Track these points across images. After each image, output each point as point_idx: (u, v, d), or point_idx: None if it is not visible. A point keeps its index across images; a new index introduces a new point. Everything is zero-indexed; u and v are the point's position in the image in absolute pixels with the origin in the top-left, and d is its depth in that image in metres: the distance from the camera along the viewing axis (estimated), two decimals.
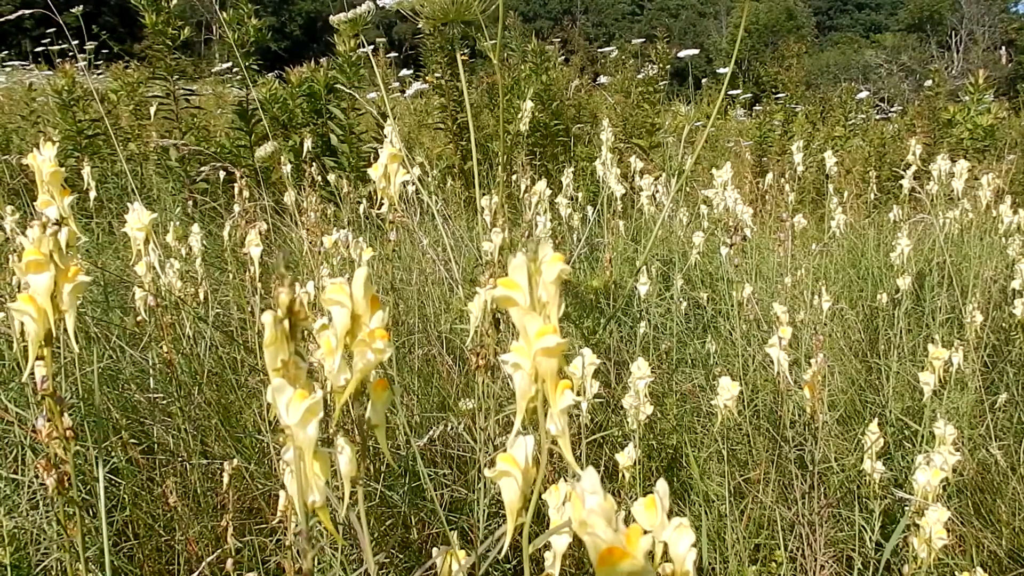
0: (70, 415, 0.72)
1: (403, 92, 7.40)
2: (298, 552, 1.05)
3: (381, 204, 1.09)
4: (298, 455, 0.46)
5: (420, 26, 1.01)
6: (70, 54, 4.02)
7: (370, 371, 0.48)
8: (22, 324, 0.66)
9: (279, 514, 1.03)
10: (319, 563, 1.10)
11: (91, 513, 1.31)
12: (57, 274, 0.64)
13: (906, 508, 1.41)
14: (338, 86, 4.32)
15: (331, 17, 1.09)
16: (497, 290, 0.33)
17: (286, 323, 0.43)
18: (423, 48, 5.40)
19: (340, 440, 0.50)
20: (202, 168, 3.08)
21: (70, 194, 0.86)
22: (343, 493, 0.52)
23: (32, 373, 0.71)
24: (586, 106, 5.95)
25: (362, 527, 0.54)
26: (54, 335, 0.67)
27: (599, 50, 10.02)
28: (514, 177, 3.10)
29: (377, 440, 0.52)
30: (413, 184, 2.61)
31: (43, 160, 0.84)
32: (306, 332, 0.45)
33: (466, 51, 5.55)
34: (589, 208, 3.21)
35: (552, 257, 0.34)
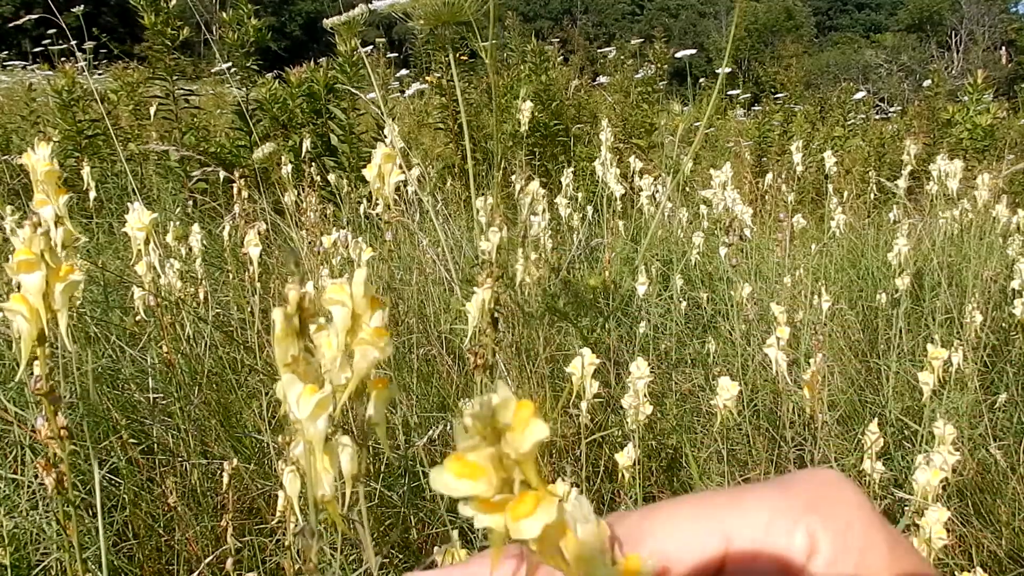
0: (69, 415, 0.73)
1: (403, 92, 7.40)
2: (298, 552, 1.05)
3: (377, 204, 1.09)
4: (308, 449, 0.47)
5: (418, 27, 1.01)
6: (71, 54, 4.03)
7: (371, 369, 0.48)
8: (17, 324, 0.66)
9: (278, 514, 1.03)
10: (319, 563, 1.10)
11: (91, 513, 1.31)
12: (49, 273, 0.65)
13: (906, 508, 1.41)
14: (338, 86, 4.32)
15: (325, 20, 1.09)
16: (447, 482, 0.23)
17: (296, 319, 0.43)
18: (421, 49, 5.41)
19: (343, 438, 0.51)
20: (193, 174, 3.09)
21: (66, 193, 0.86)
22: (345, 491, 0.53)
23: (30, 372, 0.71)
24: (586, 106, 5.96)
25: (363, 524, 0.54)
26: (47, 335, 0.67)
27: (599, 50, 10.03)
28: (513, 177, 3.10)
29: (378, 438, 0.52)
30: (412, 185, 2.61)
31: (38, 159, 0.84)
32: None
33: (466, 51, 5.56)
34: (589, 208, 3.21)
35: (519, 415, 0.22)
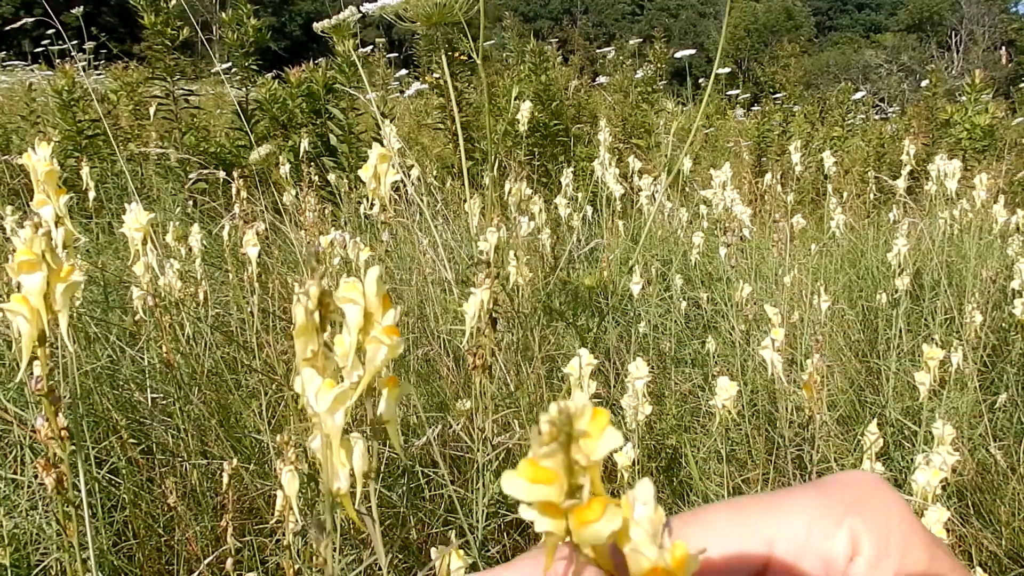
0: (69, 415, 0.73)
1: (402, 92, 7.39)
2: (297, 552, 1.05)
3: (373, 205, 1.09)
4: (325, 442, 0.47)
5: (411, 28, 1.01)
6: (70, 54, 4.03)
7: (382, 367, 0.49)
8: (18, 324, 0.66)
9: (276, 513, 1.03)
10: (317, 562, 1.10)
11: (92, 513, 1.31)
12: (49, 274, 0.65)
13: None
14: (337, 86, 4.33)
15: (315, 24, 1.09)
16: (521, 488, 0.23)
17: (316, 314, 0.44)
18: (417, 48, 5.41)
19: (352, 435, 0.51)
20: (190, 176, 3.09)
21: (66, 193, 0.86)
22: (356, 488, 0.53)
23: (31, 373, 0.71)
24: (586, 106, 5.96)
25: (374, 520, 0.55)
26: (48, 335, 0.67)
27: (598, 50, 10.04)
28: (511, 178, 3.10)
29: (388, 436, 0.53)
30: (412, 184, 2.62)
31: (38, 159, 0.84)
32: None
33: (466, 52, 5.56)
34: (588, 208, 3.21)
35: (595, 422, 0.23)
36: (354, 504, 0.51)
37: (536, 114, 4.56)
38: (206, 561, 1.23)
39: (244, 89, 4.60)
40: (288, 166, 3.05)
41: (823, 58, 29.41)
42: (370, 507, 0.55)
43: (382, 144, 1.14)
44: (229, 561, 1.17)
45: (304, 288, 0.44)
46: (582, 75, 7.10)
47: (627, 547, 0.24)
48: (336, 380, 0.45)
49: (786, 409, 1.74)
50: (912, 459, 1.60)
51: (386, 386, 0.52)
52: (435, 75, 4.90)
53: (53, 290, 0.65)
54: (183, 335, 1.79)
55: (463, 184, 3.99)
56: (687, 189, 4.17)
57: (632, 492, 0.25)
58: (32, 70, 7.80)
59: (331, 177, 3.36)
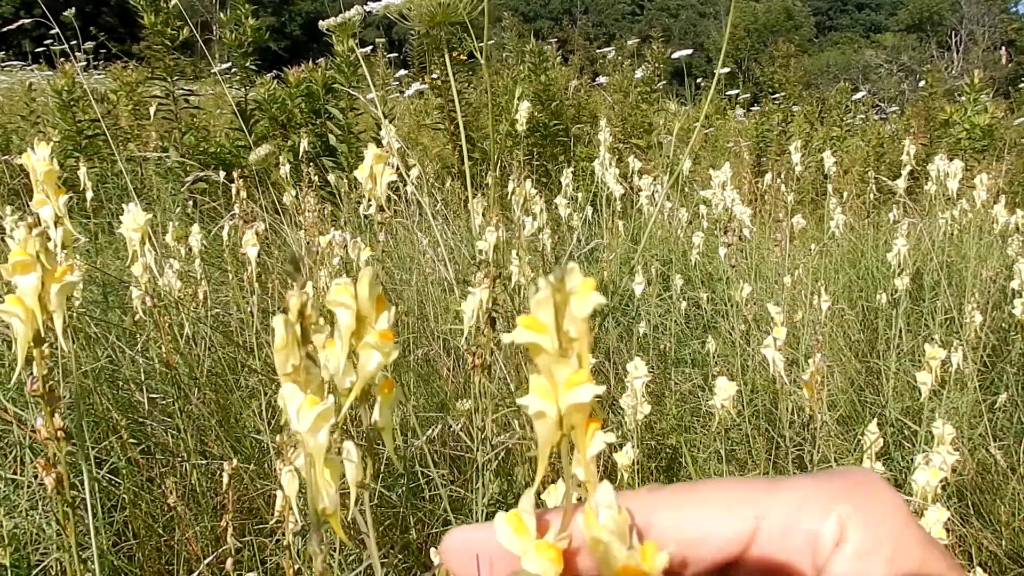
0: (68, 415, 0.73)
1: (402, 92, 7.39)
2: (297, 552, 1.05)
3: (370, 205, 1.09)
4: (308, 462, 0.45)
5: (414, 28, 1.01)
6: (70, 54, 4.03)
7: (376, 373, 0.47)
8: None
9: (276, 514, 1.03)
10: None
11: (92, 513, 1.31)
12: (44, 274, 0.64)
13: None
14: (336, 86, 4.32)
15: (320, 22, 1.09)
16: (519, 333, 0.26)
17: (297, 327, 0.42)
18: (413, 48, 5.41)
19: (347, 443, 0.50)
20: (186, 180, 3.09)
21: (65, 193, 0.86)
22: (350, 496, 0.52)
23: (30, 373, 0.71)
24: (585, 106, 5.96)
25: (369, 528, 0.54)
26: (43, 336, 0.67)
27: (598, 50, 10.04)
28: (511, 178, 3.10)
29: (383, 442, 0.52)
30: (412, 184, 2.62)
31: (37, 159, 0.84)
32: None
33: (465, 51, 5.56)
34: (588, 208, 3.21)
35: (583, 284, 0.26)
36: (351, 513, 0.50)
37: (536, 114, 4.56)
38: (206, 561, 1.23)
39: (243, 89, 4.59)
40: (288, 166, 3.05)
41: (823, 58, 29.39)
42: (363, 510, 0.54)
43: (380, 144, 1.14)
44: (229, 561, 1.17)
45: (286, 299, 0.42)
46: (582, 75, 7.10)
47: (598, 550, 0.25)
48: (320, 395, 0.42)
49: (786, 409, 1.74)
50: (912, 459, 1.60)
51: (380, 392, 0.50)
52: (433, 75, 4.90)
53: (48, 291, 0.65)
54: (182, 335, 1.79)
55: (463, 184, 3.99)
56: (687, 189, 4.17)
57: (593, 498, 0.26)
58: (32, 70, 7.80)
59: (331, 177, 3.35)
